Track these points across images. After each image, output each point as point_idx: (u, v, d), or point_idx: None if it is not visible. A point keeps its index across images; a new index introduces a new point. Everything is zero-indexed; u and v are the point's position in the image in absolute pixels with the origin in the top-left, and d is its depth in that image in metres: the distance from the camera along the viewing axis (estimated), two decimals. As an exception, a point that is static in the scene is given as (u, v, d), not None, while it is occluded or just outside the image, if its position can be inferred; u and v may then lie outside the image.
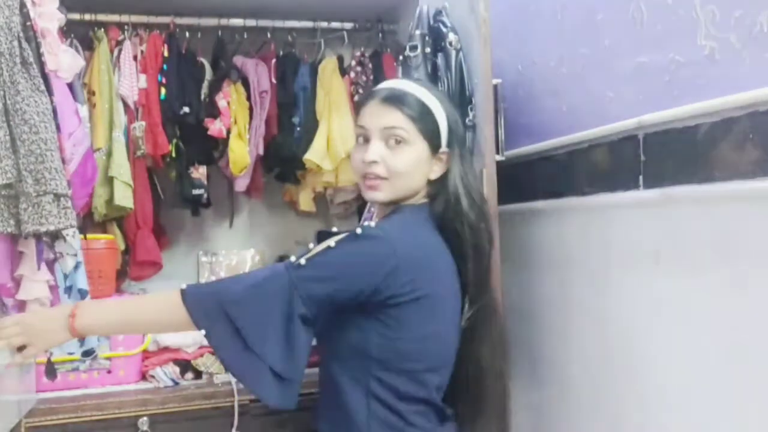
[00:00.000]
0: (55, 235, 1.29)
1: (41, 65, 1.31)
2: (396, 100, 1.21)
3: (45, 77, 1.31)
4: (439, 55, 1.62)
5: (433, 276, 1.17)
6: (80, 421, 1.65)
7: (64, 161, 1.31)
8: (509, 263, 1.71)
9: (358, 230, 1.13)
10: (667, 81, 1.12)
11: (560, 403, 1.51)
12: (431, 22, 1.67)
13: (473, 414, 1.24)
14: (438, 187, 1.24)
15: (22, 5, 1.27)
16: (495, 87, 1.57)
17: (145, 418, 1.69)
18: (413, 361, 1.16)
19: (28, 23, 1.28)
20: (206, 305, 1.11)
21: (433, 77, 1.64)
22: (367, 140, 1.22)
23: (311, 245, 1.17)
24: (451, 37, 1.59)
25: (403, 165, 1.19)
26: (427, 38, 1.64)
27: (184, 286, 1.12)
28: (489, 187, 1.44)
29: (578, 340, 1.40)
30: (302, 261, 1.11)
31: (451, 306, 1.21)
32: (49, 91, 1.31)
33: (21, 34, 1.25)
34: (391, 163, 1.19)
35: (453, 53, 1.58)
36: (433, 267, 1.18)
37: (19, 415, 1.57)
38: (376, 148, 1.20)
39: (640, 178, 1.15)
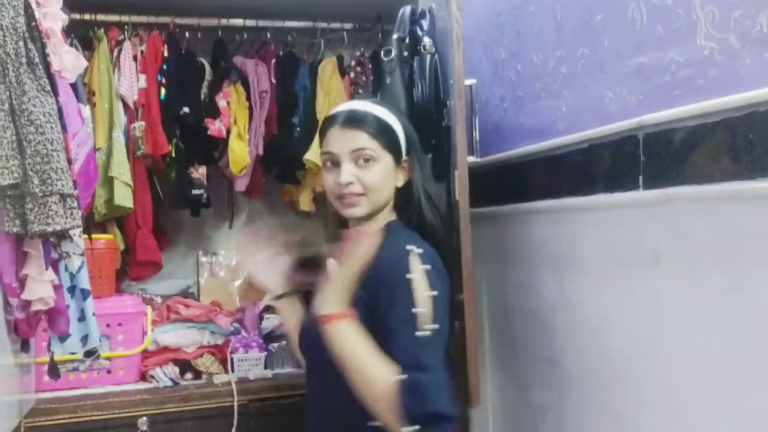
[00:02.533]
0: (62, 235, 1.30)
1: (46, 65, 1.31)
2: (356, 121, 1.28)
3: (50, 78, 1.31)
4: (416, 59, 1.62)
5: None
6: (80, 421, 1.65)
7: (69, 161, 1.31)
8: (508, 263, 1.71)
9: (426, 266, 1.17)
10: (667, 81, 1.12)
11: (559, 402, 1.50)
12: (411, 25, 1.67)
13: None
14: (404, 194, 1.32)
15: (27, 5, 1.27)
16: (470, 88, 1.57)
17: (144, 418, 1.69)
18: None
19: (33, 23, 1.29)
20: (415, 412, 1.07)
21: (410, 81, 1.64)
22: (335, 164, 1.29)
23: (416, 310, 1.14)
24: (425, 40, 1.59)
25: (375, 180, 1.27)
26: (406, 41, 1.63)
27: (397, 377, 1.08)
28: (460, 189, 1.45)
29: (578, 340, 1.40)
30: (434, 326, 1.12)
31: None
32: (55, 92, 1.31)
33: (26, 35, 1.25)
34: (365, 179, 1.27)
35: (427, 57, 1.59)
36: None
37: (20, 415, 1.57)
38: (348, 170, 1.27)
39: (640, 178, 1.15)
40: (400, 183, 1.32)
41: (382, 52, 1.64)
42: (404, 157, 1.32)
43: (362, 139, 1.27)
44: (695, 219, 1.05)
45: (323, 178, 1.34)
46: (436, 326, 1.12)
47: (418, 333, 1.11)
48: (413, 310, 1.13)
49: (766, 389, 0.93)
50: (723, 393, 1.01)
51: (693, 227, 1.05)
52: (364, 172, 1.27)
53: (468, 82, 1.52)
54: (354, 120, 1.29)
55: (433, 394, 1.07)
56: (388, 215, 1.33)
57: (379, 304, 1.17)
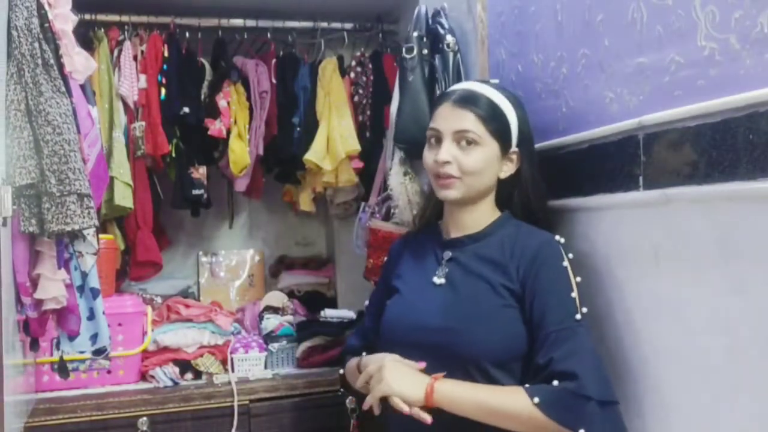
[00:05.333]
0: (74, 235, 1.30)
1: (60, 67, 1.31)
2: (468, 101, 1.26)
3: (64, 79, 1.31)
4: (437, 57, 1.62)
5: None
6: (80, 421, 1.65)
7: (83, 162, 1.32)
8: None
9: (570, 255, 1.23)
10: (667, 82, 1.12)
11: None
12: (429, 23, 1.67)
13: None
14: (510, 187, 1.32)
15: (40, 6, 1.28)
16: (493, 87, 1.57)
17: (144, 418, 1.69)
18: None
19: (46, 25, 1.29)
20: (571, 407, 1.09)
21: (431, 79, 1.64)
22: (439, 141, 1.27)
23: (574, 295, 1.19)
24: (449, 38, 1.59)
25: (474, 164, 1.25)
26: (424, 40, 1.64)
27: (536, 400, 1.08)
28: None
29: (578, 340, 1.40)
30: (584, 310, 1.18)
31: None
32: (69, 93, 1.32)
33: (40, 36, 1.25)
34: (463, 162, 1.24)
35: (450, 55, 1.59)
36: None
37: (27, 415, 1.58)
38: (448, 149, 1.24)
39: (640, 178, 1.15)
40: (504, 174, 1.29)
41: (403, 50, 1.64)
42: (513, 148, 1.29)
43: (469, 121, 1.24)
44: (695, 219, 1.05)
45: (423, 155, 1.31)
46: (585, 310, 1.18)
47: (578, 316, 1.16)
48: (572, 294, 1.19)
49: (766, 389, 0.94)
50: (723, 393, 1.01)
51: (693, 227, 1.05)
52: (464, 154, 1.24)
53: (493, 81, 1.53)
54: (466, 100, 1.26)
55: (581, 397, 1.08)
56: (491, 209, 1.32)
57: (530, 286, 1.20)
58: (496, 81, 1.55)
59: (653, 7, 1.14)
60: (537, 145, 1.44)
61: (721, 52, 1.00)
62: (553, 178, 1.44)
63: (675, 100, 1.09)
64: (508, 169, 1.30)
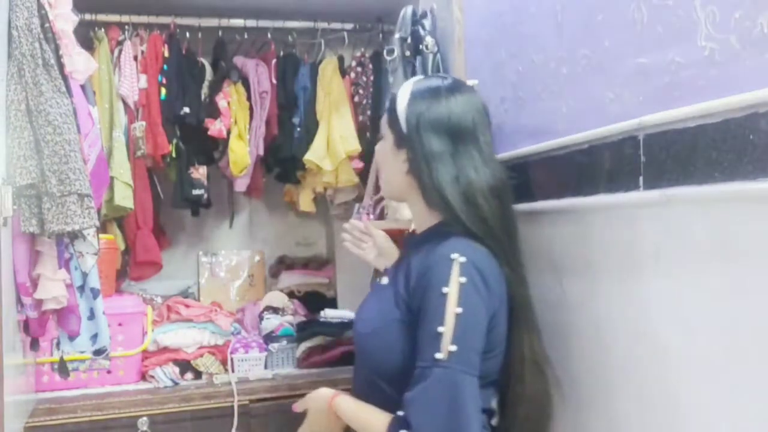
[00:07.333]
0: (75, 235, 1.30)
1: (60, 67, 1.32)
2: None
3: (65, 79, 1.32)
4: (418, 59, 1.63)
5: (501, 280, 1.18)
6: (80, 421, 1.65)
7: (84, 162, 1.32)
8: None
9: (462, 279, 1.08)
10: (668, 82, 1.12)
11: (558, 402, 1.50)
12: (413, 25, 1.68)
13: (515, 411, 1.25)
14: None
15: (40, 6, 1.28)
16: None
17: (144, 419, 1.69)
18: (491, 374, 1.17)
19: (47, 25, 1.29)
20: None
21: None
22: None
23: (442, 329, 1.07)
24: (428, 40, 1.60)
25: (377, 158, 1.28)
26: (408, 41, 1.64)
27: None
28: None
29: (577, 340, 1.40)
30: (452, 348, 1.05)
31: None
32: (69, 93, 1.32)
33: (41, 36, 1.26)
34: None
35: (429, 56, 1.59)
36: (498, 270, 1.18)
37: (27, 414, 1.58)
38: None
39: (640, 178, 1.15)
40: (406, 167, 1.20)
41: (384, 52, 1.65)
42: (405, 141, 1.20)
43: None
44: (695, 219, 1.05)
45: None
46: (454, 348, 1.05)
47: (438, 354, 1.05)
48: (439, 329, 1.06)
49: (766, 389, 0.94)
50: (723, 393, 1.01)
51: (693, 227, 1.05)
52: None
53: (470, 82, 1.53)
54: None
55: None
56: (425, 211, 1.21)
57: (416, 307, 1.11)
58: (475, 81, 1.56)
59: (653, 7, 1.14)
60: (537, 146, 1.44)
61: (721, 52, 1.00)
62: (553, 178, 1.44)
63: (675, 101, 1.09)
64: (407, 165, 1.20)
